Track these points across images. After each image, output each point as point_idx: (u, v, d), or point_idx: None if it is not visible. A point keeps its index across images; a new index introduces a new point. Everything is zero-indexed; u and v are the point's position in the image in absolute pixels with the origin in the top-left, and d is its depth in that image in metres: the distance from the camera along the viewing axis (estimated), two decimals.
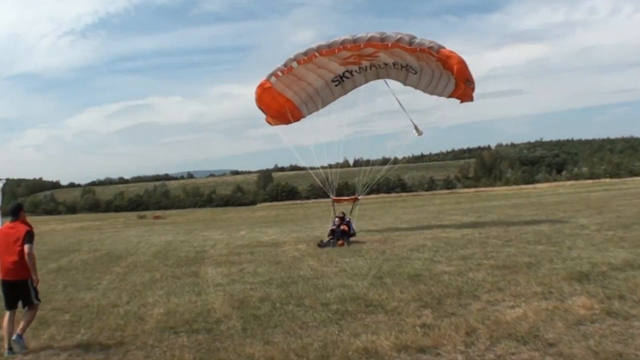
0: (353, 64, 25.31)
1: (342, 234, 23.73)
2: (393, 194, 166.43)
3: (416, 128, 25.49)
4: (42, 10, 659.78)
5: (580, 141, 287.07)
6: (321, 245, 23.18)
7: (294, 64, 24.57)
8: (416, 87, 25.28)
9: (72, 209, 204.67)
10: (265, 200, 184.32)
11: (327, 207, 26.85)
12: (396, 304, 11.63)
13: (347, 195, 31.50)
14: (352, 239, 24.11)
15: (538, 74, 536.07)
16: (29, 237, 10.12)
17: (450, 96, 24.26)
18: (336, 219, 24.77)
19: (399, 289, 13.13)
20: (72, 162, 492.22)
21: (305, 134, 28.06)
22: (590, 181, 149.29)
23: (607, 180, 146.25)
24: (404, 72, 24.99)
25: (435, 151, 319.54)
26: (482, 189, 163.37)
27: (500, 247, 19.48)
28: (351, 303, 12.00)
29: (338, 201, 27.31)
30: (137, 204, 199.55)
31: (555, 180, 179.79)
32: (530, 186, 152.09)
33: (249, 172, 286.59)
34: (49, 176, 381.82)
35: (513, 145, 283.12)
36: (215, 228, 45.05)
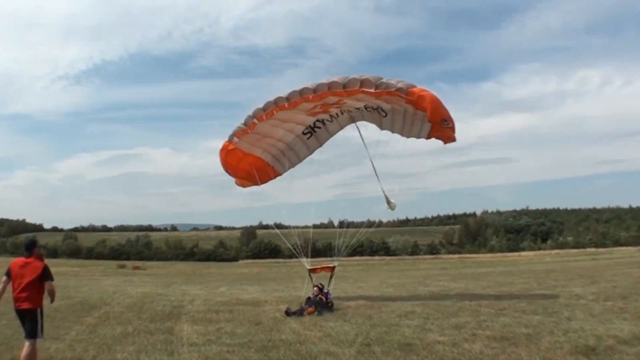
0: (321, 112, 23.84)
1: (318, 302, 21.50)
2: (376, 257, 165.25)
3: (388, 202, 24.24)
4: (39, 53, 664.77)
5: (566, 210, 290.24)
6: (289, 313, 20.60)
7: (255, 121, 22.74)
8: (392, 130, 23.63)
9: (53, 253, 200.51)
10: (247, 257, 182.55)
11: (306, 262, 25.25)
12: None
13: (326, 258, 29.45)
14: (327, 312, 21.21)
15: (527, 143, 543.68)
16: (48, 273, 11.00)
17: (429, 137, 22.83)
18: (315, 288, 22.92)
19: None
20: (56, 206, 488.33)
21: (285, 194, 26.59)
22: (575, 250, 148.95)
23: (593, 249, 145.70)
24: (377, 115, 23.50)
25: (420, 216, 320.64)
26: (467, 255, 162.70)
27: (494, 317, 18.36)
28: None
29: (314, 271, 24.92)
30: (118, 253, 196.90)
31: (540, 248, 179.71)
32: (516, 254, 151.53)
33: (233, 228, 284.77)
34: (32, 218, 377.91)
35: (499, 212, 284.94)
36: (195, 282, 43.56)
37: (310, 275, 24.48)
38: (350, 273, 53.79)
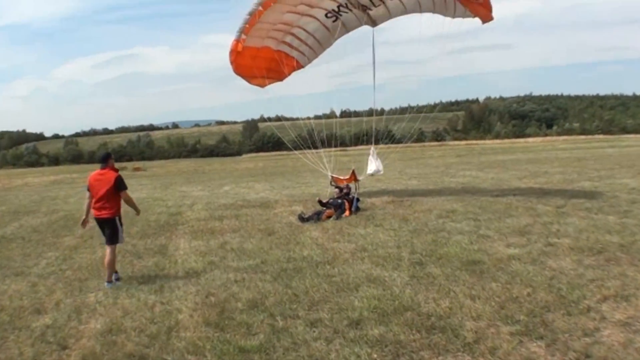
0: None
1: (339, 205, 18.03)
2: (381, 145, 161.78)
3: (370, 168, 21.67)
4: None
5: (569, 97, 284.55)
6: (303, 218, 17.35)
7: (261, 8, 18.47)
8: (433, 11, 19.42)
9: (54, 161, 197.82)
10: (250, 151, 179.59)
11: (317, 159, 21.62)
12: (474, 326, 7.14)
13: (331, 148, 25.25)
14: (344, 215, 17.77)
15: (527, 29, 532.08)
16: (121, 183, 11.27)
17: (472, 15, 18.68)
18: (335, 190, 19.76)
19: (462, 291, 8.70)
20: (57, 113, 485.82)
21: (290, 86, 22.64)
22: (583, 137, 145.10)
23: (601, 136, 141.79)
24: None
25: (422, 103, 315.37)
26: (473, 141, 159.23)
27: (559, 217, 15.03)
28: (398, 320, 7.51)
29: (338, 181, 21.49)
30: (120, 155, 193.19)
31: (546, 134, 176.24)
32: (522, 140, 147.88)
33: (235, 123, 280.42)
34: (33, 128, 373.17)
35: (502, 98, 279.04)
36: (196, 182, 40.28)
37: (337, 186, 20.88)
38: (361, 163, 50.51)
